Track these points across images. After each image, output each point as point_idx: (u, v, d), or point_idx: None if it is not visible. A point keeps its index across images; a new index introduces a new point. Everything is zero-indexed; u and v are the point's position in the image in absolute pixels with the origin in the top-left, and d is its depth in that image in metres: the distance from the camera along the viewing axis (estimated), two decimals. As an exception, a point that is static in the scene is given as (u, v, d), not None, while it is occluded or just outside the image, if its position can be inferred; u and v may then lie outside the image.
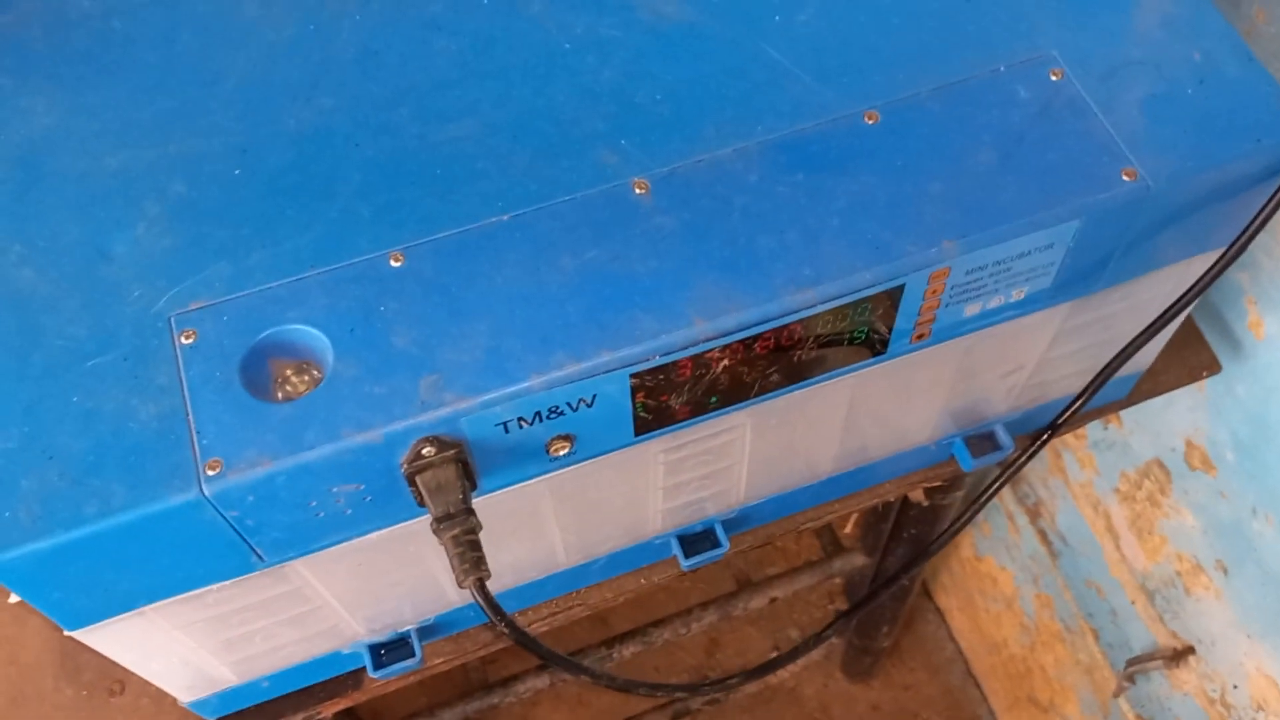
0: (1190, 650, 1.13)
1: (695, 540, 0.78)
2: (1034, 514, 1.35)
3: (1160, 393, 0.89)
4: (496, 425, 0.55)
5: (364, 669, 0.75)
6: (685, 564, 0.77)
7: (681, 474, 0.69)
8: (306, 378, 0.55)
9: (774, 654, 1.77)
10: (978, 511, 0.73)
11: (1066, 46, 0.64)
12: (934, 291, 0.60)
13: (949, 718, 1.73)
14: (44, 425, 0.52)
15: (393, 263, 0.57)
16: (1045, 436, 0.73)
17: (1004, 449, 0.81)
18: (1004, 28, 0.65)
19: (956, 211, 0.58)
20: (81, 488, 0.51)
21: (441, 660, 0.79)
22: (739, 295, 0.56)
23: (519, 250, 0.58)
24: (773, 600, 1.24)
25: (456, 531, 0.54)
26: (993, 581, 1.54)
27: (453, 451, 0.55)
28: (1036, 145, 0.60)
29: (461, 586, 0.54)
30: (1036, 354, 0.72)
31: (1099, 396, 0.78)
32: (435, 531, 0.54)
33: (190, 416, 0.53)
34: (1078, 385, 0.79)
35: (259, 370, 0.54)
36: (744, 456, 0.70)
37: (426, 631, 0.76)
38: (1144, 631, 1.20)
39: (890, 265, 0.57)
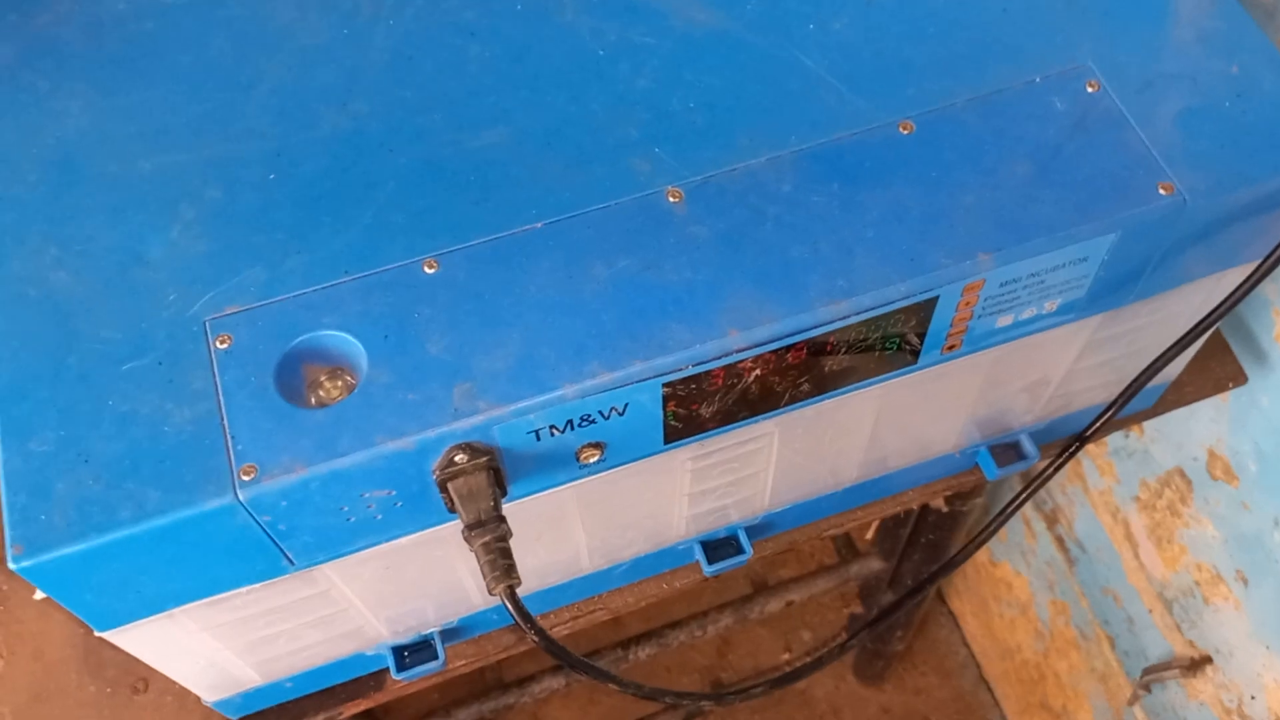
0: (1208, 660, 1.12)
1: (718, 546, 0.78)
2: (1051, 520, 1.35)
3: (1186, 403, 0.88)
4: (529, 433, 0.55)
5: (386, 670, 0.75)
6: (708, 569, 0.77)
7: (708, 481, 0.69)
8: (340, 384, 0.55)
9: (786, 655, 1.77)
10: (1009, 518, 0.73)
11: (1102, 59, 0.63)
12: (967, 304, 0.60)
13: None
14: (79, 429, 0.53)
15: (426, 269, 0.57)
16: (1074, 447, 0.73)
17: (1029, 458, 0.81)
18: (1040, 39, 0.64)
19: (991, 224, 0.58)
20: (116, 491, 0.51)
21: (463, 662, 0.79)
22: (772, 306, 0.56)
23: (552, 258, 0.58)
24: (789, 603, 1.24)
25: (488, 539, 0.54)
26: (1008, 587, 1.54)
27: (485, 459, 0.55)
28: (1072, 158, 0.60)
29: (492, 594, 0.54)
30: (1065, 365, 0.72)
31: (1126, 406, 0.77)
32: (466, 538, 0.55)
33: (225, 421, 0.53)
34: (1103, 396, 0.79)
35: (293, 376, 0.55)
36: (770, 465, 0.70)
37: (449, 634, 0.76)
38: (1160, 640, 1.20)
39: (924, 278, 0.57)
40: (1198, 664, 1.13)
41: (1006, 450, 0.81)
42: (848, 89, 0.63)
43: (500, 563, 0.54)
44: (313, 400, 0.54)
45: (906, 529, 1.15)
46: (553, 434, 0.56)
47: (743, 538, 0.78)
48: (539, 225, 0.59)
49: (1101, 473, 1.20)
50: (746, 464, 0.68)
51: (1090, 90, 0.62)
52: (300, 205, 0.59)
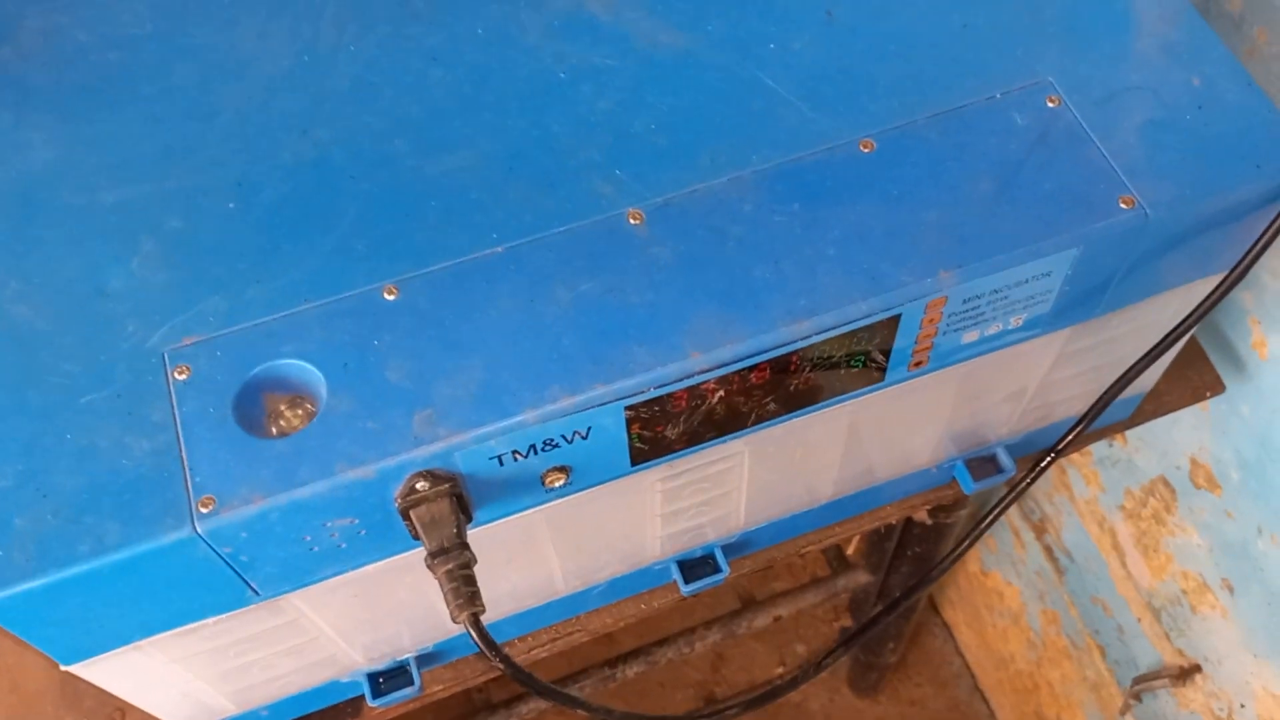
0: (1197, 668, 1.12)
1: (695, 565, 0.78)
2: (1040, 530, 1.35)
3: (1164, 413, 0.88)
4: (491, 459, 0.55)
5: (363, 697, 0.75)
6: (685, 589, 0.77)
7: (680, 501, 0.69)
8: (301, 412, 0.55)
9: (780, 670, 1.77)
10: (982, 534, 0.73)
11: (1063, 73, 0.63)
12: (931, 320, 0.59)
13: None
14: (39, 463, 0.52)
15: (387, 296, 0.57)
16: (1049, 459, 0.73)
17: (1005, 472, 0.80)
18: (1000, 54, 0.64)
19: (953, 241, 0.58)
20: (75, 526, 0.51)
21: (441, 688, 0.78)
22: (734, 327, 0.56)
23: (513, 282, 0.57)
24: (777, 619, 1.24)
25: (451, 566, 0.54)
26: (999, 597, 1.53)
27: (446, 485, 0.54)
28: (1034, 173, 0.60)
29: (456, 621, 0.54)
30: (1037, 378, 0.72)
31: (1102, 418, 0.77)
32: (430, 566, 0.54)
33: (183, 453, 0.53)
34: (1081, 407, 0.79)
35: (253, 405, 0.54)
36: (743, 483, 0.70)
37: (425, 659, 0.75)
38: (1150, 649, 1.19)
39: (887, 295, 0.57)
40: (1187, 673, 1.13)
41: (984, 463, 0.81)
42: (809, 108, 0.63)
43: (464, 590, 0.54)
44: (273, 430, 0.54)
45: (891, 542, 1.15)
46: (515, 459, 0.56)
47: (719, 556, 0.77)
48: (500, 249, 0.59)
49: (1087, 481, 1.19)
50: (718, 483, 0.68)
51: (1051, 105, 0.62)
52: (261, 233, 0.59)
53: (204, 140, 0.62)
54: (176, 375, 0.54)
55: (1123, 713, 1.26)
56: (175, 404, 0.54)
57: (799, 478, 0.73)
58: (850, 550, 1.26)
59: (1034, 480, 0.71)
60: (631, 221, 0.59)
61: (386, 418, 0.54)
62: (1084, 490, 1.21)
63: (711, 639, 1.21)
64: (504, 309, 0.57)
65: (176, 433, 0.53)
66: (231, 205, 0.60)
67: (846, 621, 1.43)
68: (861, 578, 1.25)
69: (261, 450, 0.53)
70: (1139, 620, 1.19)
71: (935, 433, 0.75)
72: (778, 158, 0.61)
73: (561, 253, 0.58)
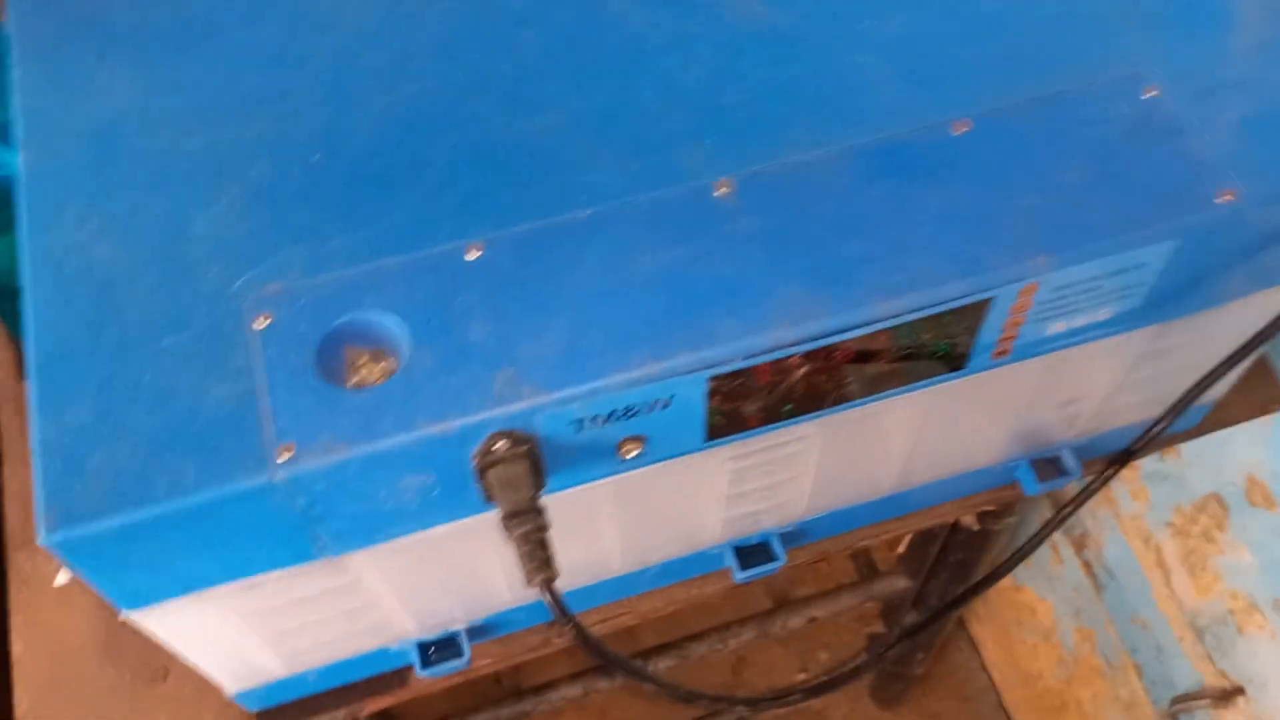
0: (1240, 691, 1.10)
1: (750, 552, 0.77)
2: (1079, 545, 1.33)
3: (1229, 424, 0.87)
4: (570, 423, 0.54)
5: (410, 667, 0.74)
6: (739, 575, 0.76)
7: (746, 483, 0.67)
8: (381, 366, 0.54)
9: (801, 675, 1.75)
10: (1047, 535, 0.71)
11: (1162, 64, 0.62)
12: (1021, 307, 0.58)
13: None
14: (117, 402, 0.52)
15: (471, 253, 0.56)
16: (1121, 461, 0.71)
17: (1070, 474, 0.79)
18: (1098, 42, 0.63)
19: (1049, 226, 0.57)
20: (152, 465, 0.50)
21: (488, 661, 0.77)
22: (824, 301, 0.55)
23: (599, 246, 0.57)
24: (812, 620, 1.23)
25: (527, 529, 0.53)
26: (1031, 612, 1.51)
27: (525, 447, 0.54)
28: (1131, 163, 0.59)
29: (530, 585, 0.53)
30: (1114, 377, 0.71)
31: (1171, 425, 0.76)
32: (504, 528, 0.53)
33: (263, 399, 0.52)
34: (1142, 415, 0.77)
35: (334, 356, 0.54)
36: (809, 469, 0.69)
37: (475, 632, 0.74)
38: (1190, 670, 1.18)
39: (980, 277, 0.56)
40: (1229, 695, 1.11)
41: (1047, 465, 0.80)
42: (903, 86, 0.62)
43: (539, 554, 0.53)
44: (352, 382, 0.53)
45: (935, 546, 1.13)
46: (595, 425, 0.55)
47: (775, 544, 0.76)
48: (586, 213, 0.58)
49: (1134, 497, 1.18)
50: (786, 467, 0.67)
51: (1149, 95, 0.61)
52: (345, 185, 0.58)
53: (290, 89, 0.62)
54: (258, 322, 0.54)
55: (1157, 733, 1.24)
56: (256, 350, 0.53)
57: (864, 467, 0.72)
58: (901, 549, 1.24)
59: (1108, 480, 0.69)
60: (720, 191, 0.58)
61: (469, 375, 0.53)
62: (1130, 505, 1.19)
63: (746, 637, 1.20)
64: (589, 272, 0.56)
65: (256, 379, 0.52)
66: (316, 156, 0.59)
67: (876, 628, 1.41)
68: (899, 583, 1.24)
69: (342, 400, 0.52)
70: (1180, 640, 1.18)
71: (1004, 429, 0.74)
72: (870, 134, 0.60)
73: (648, 219, 0.58)
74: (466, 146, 0.60)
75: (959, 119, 0.60)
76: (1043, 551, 1.42)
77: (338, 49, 0.63)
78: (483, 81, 0.63)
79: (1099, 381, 0.71)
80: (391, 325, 0.54)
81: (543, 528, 0.53)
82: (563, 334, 0.54)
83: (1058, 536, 1.36)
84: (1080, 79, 0.62)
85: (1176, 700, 1.17)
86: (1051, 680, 1.52)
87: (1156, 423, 0.67)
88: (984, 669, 1.73)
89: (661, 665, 1.19)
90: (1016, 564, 0.73)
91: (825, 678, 0.72)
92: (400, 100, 0.62)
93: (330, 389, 0.52)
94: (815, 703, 1.67)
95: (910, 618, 1.32)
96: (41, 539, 0.49)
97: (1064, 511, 0.70)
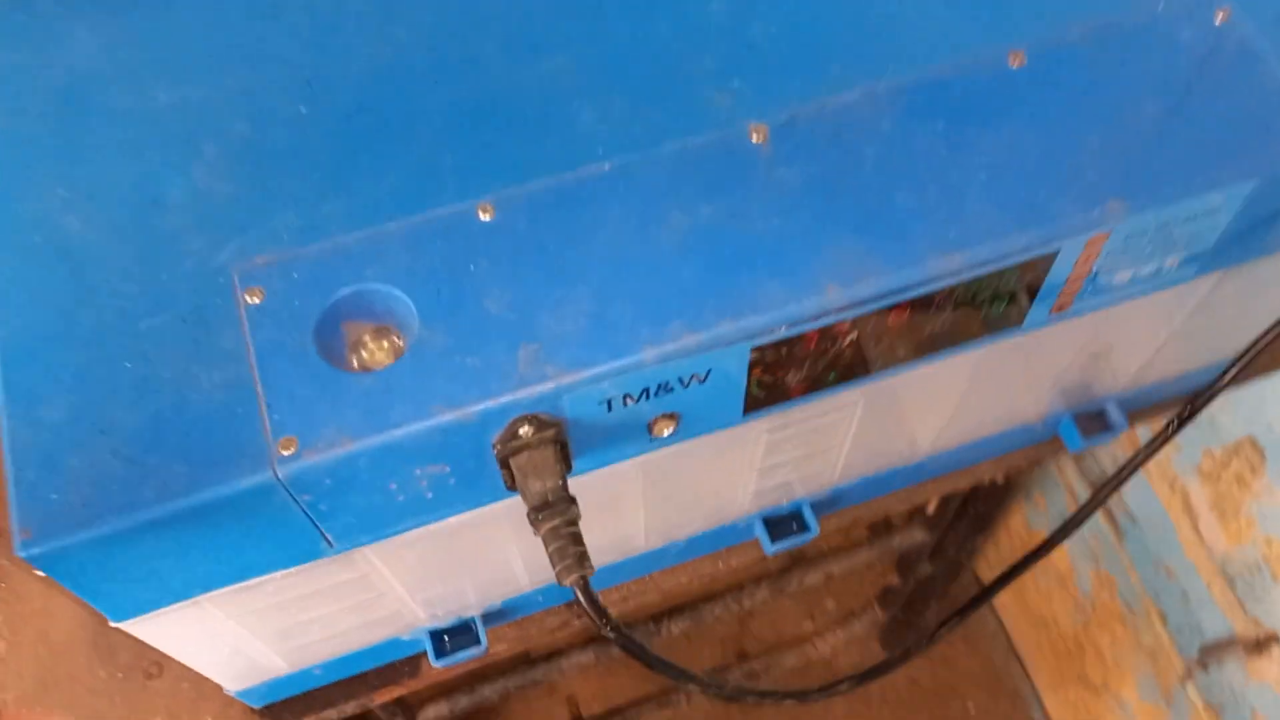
0: (1274, 639, 1.07)
1: (780, 523, 0.72)
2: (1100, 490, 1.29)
3: (1273, 370, 0.82)
4: (600, 403, 0.49)
5: (422, 655, 0.70)
6: (770, 548, 0.71)
7: (781, 454, 0.62)
8: (387, 345, 0.48)
9: (809, 624, 1.72)
10: (1117, 486, 0.67)
11: (1233, -16, 0.57)
12: (1087, 258, 0.53)
13: (989, 694, 1.68)
14: (95, 395, 0.46)
15: (482, 215, 0.50)
16: (1189, 411, 0.65)
17: (1115, 428, 0.74)
18: (1161, -38, 0.57)
19: (1119, 169, 0.52)
20: (138, 467, 0.45)
21: (504, 646, 0.73)
22: (876, 259, 0.50)
23: (624, 203, 0.51)
24: (829, 576, 1.19)
25: (557, 522, 0.48)
26: (1045, 558, 1.48)
27: (551, 432, 0.48)
28: (1203, 95, 0.54)
29: (563, 584, 0.48)
30: (1168, 327, 0.66)
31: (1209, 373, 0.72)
32: (533, 521, 0.48)
33: (259, 387, 0.46)
34: (1190, 364, 0.73)
35: (334, 335, 0.48)
36: (848, 436, 0.64)
37: (491, 617, 0.70)
38: (1219, 617, 1.14)
39: (1046, 228, 0.50)
40: (1263, 643, 1.07)
41: (1090, 420, 0.75)
42: (949, 14, 0.56)
43: (571, 550, 0.48)
44: (356, 363, 0.48)
45: (957, 500, 1.09)
46: (626, 404, 0.50)
47: (807, 513, 0.71)
48: (606, 166, 0.52)
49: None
50: (825, 435, 0.62)
51: (1220, 20, 0.56)
52: (336, 141, 0.52)
53: (268, 37, 0.55)
54: (248, 298, 0.48)
55: (1184, 681, 1.21)
56: (248, 331, 0.47)
57: (904, 431, 0.67)
58: (931, 509, 1.20)
59: (1179, 431, 0.64)
60: (754, 138, 0.53)
61: (487, 353, 0.47)
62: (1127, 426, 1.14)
63: (761, 596, 1.16)
64: (614, 233, 0.50)
65: (250, 363, 0.47)
66: (303, 109, 0.53)
67: (890, 579, 1.38)
68: (918, 535, 1.20)
69: (348, 386, 0.46)
70: (1209, 587, 1.14)
71: (1049, 385, 0.69)
72: (916, 70, 0.54)
73: (676, 171, 0.52)
74: (468, 94, 0.54)
75: (1012, 50, 0.55)
76: (1059, 495, 1.38)
77: (320, -10, 0.57)
78: (482, 20, 0.56)
79: (1152, 333, 0.66)
80: (398, 299, 0.48)
81: (574, 520, 0.48)
82: (588, 304, 0.48)
83: (1076, 481, 1.33)
84: (1144, 3, 0.56)
85: (1206, 648, 1.14)
86: (1067, 625, 1.49)
87: (1225, 371, 0.62)
88: (994, 613, 1.71)
89: (676, 628, 1.16)
90: (1066, 536, 0.68)
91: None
92: (391, 44, 0.55)
93: (333, 373, 0.47)
94: (825, 651, 1.64)
95: (924, 569, 1.28)
96: (16, 550, 0.44)
97: (1122, 473, 0.65)
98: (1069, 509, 1.37)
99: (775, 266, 0.49)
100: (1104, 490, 0.67)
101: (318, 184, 0.51)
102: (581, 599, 0.48)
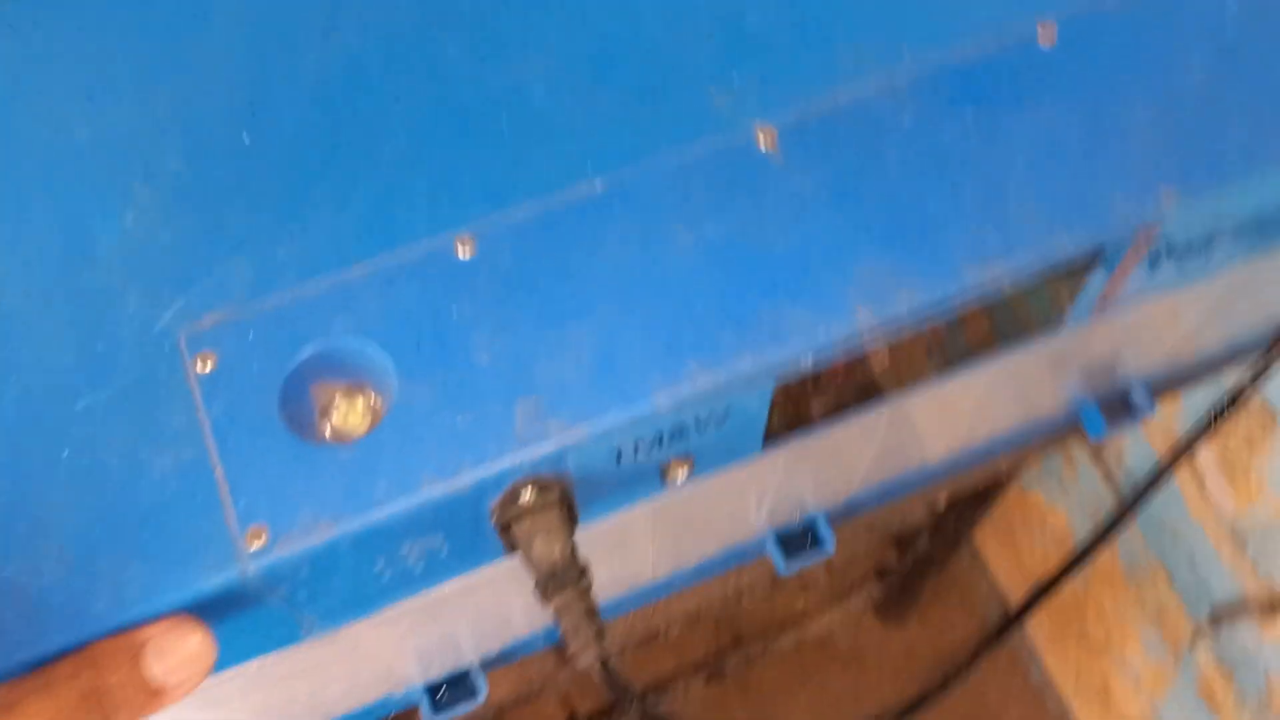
0: (1289, 600, 1.04)
1: (793, 539, 0.67)
2: (1096, 450, 1.25)
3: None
4: (609, 456, 0.43)
5: (416, 710, 0.64)
6: (784, 568, 0.66)
7: (798, 476, 0.57)
8: (362, 407, 0.42)
9: (801, 603, 1.68)
10: (1124, 519, 0.62)
11: (1275, -65, 0.51)
12: (1137, 251, 0.48)
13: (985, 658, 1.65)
14: (27, 492, 0.40)
15: (460, 250, 0.44)
16: (1242, 392, 0.60)
17: (1140, 412, 0.70)
18: (1193, -86, 0.52)
19: (1169, 150, 0.46)
20: (85, 575, 0.38)
21: (505, 688, 0.67)
22: (908, 273, 0.44)
23: (621, 226, 0.45)
24: (826, 560, 1.14)
25: (569, 595, 0.42)
26: (1040, 519, 1.45)
27: (556, 492, 0.43)
28: (1259, 59, 0.48)
29: (579, 666, 0.42)
30: (1208, 310, 0.61)
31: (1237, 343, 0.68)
32: (540, 594, 0.43)
33: (219, 469, 0.40)
34: (1219, 341, 0.68)
35: (301, 401, 0.42)
36: (870, 452, 0.58)
37: (488, 662, 0.64)
38: (1229, 579, 1.11)
39: (1094, 226, 0.45)
40: (1277, 605, 1.04)
41: (1114, 405, 0.70)
42: (968, -13, 0.50)
43: (587, 627, 0.42)
44: (328, 433, 0.42)
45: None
46: (637, 453, 0.44)
47: (823, 528, 0.66)
48: (597, 184, 0.46)
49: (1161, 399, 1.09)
50: (845, 453, 0.57)
51: (1265, -25, 0.50)
52: (288, 174, 0.46)
53: (200, 50, 0.49)
54: (199, 365, 0.42)
55: (1193, 641, 1.18)
56: (201, 404, 0.41)
57: (927, 439, 0.62)
58: (942, 506, 1.16)
59: (1208, 432, 0.60)
60: (761, 143, 0.47)
61: (479, 411, 0.41)
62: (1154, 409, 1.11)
63: (753, 576, 1.11)
64: (613, 262, 0.44)
65: (208, 442, 0.40)
66: (245, 137, 0.47)
67: (887, 556, 1.34)
68: (918, 513, 1.15)
69: (323, 460, 0.40)
70: (1217, 548, 1.11)
71: (1078, 378, 0.64)
72: (937, 52, 0.48)
73: (676, 185, 0.46)
74: (433, 108, 0.48)
75: (1042, 21, 0.49)
76: (1054, 456, 1.35)
77: (257, -6, 0.50)
78: (445, 18, 0.50)
79: (1189, 318, 0.61)
80: (372, 355, 0.42)
81: (587, 589, 0.43)
82: (590, 346, 0.42)
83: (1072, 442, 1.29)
84: (1178, -39, 0.51)
85: (1217, 609, 1.11)
86: (1064, 583, 1.46)
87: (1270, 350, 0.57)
88: (986, 574, 1.68)
89: (670, 615, 1.11)
90: (1093, 551, 0.64)
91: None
92: (341, 52, 0.49)
93: (303, 446, 0.41)
94: (820, 629, 1.61)
95: (923, 544, 1.24)
96: (-50, 677, 0.38)
97: (1163, 473, 0.61)
98: (1065, 471, 1.34)
99: (796, 289, 0.44)
100: (1137, 498, 0.63)
101: (269, 225, 0.45)
102: (602, 679, 0.42)
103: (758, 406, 0.45)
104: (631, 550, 0.57)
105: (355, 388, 0.43)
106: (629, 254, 0.44)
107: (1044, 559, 1.48)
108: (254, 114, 0.47)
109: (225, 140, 0.47)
